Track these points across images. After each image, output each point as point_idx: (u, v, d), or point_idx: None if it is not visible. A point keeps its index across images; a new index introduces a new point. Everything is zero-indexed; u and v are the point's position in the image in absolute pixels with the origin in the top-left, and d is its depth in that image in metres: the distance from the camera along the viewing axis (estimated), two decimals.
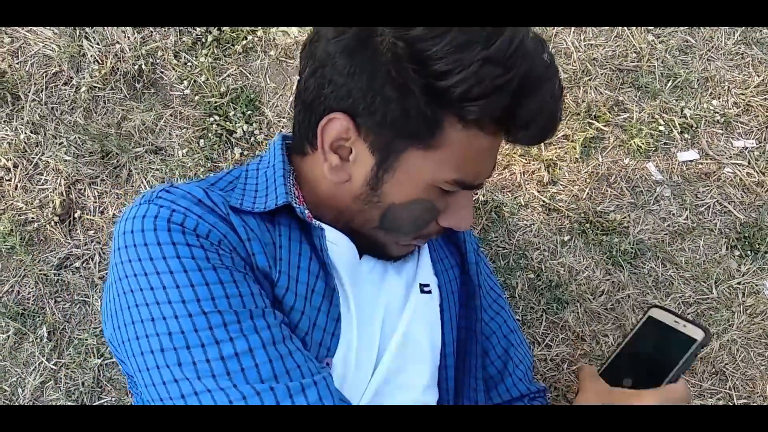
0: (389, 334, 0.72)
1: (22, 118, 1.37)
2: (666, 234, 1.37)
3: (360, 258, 0.73)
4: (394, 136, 0.59)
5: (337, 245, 0.69)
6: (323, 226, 0.67)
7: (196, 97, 1.40)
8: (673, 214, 1.38)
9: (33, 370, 1.26)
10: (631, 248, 1.34)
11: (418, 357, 0.74)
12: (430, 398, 0.77)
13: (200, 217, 0.56)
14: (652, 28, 1.47)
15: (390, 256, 0.73)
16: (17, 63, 1.41)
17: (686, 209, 1.38)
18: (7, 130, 1.37)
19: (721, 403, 1.28)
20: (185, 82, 1.41)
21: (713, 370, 1.30)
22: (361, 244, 0.71)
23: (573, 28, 1.46)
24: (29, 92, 1.39)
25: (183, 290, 0.52)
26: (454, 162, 0.59)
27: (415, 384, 0.73)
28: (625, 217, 1.37)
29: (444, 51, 0.53)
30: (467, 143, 0.58)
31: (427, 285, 0.78)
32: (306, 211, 0.65)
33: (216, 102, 1.39)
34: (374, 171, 0.62)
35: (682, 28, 1.47)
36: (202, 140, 1.38)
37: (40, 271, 1.31)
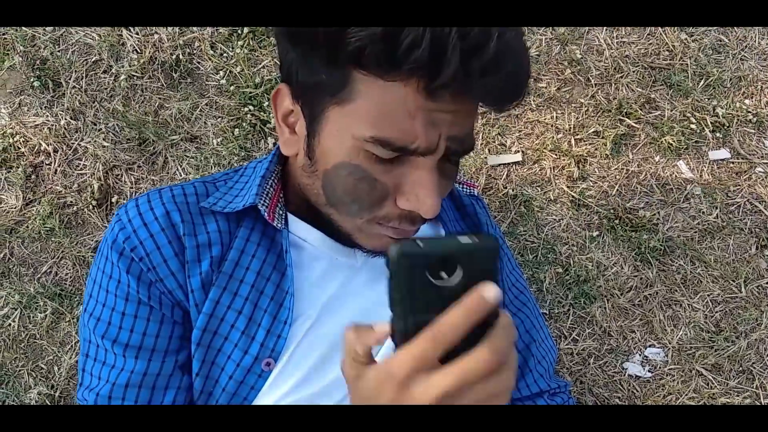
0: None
1: (63, 105, 1.41)
2: (695, 232, 1.37)
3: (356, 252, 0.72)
4: (315, 95, 0.58)
5: (313, 244, 0.70)
6: (295, 220, 0.69)
7: (232, 88, 1.43)
8: (703, 213, 1.38)
9: (69, 349, 1.30)
10: (660, 245, 1.35)
11: None
12: None
13: (135, 232, 0.65)
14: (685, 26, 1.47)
15: (363, 248, 0.67)
16: (59, 51, 1.44)
17: (716, 208, 1.38)
18: (47, 115, 1.41)
19: (748, 402, 1.28)
20: (221, 73, 1.44)
21: (740, 368, 1.30)
22: (337, 236, 0.69)
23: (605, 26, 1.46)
24: (70, 79, 1.42)
25: (96, 305, 0.66)
26: (367, 116, 0.54)
27: None
28: (654, 215, 1.37)
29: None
30: (376, 95, 0.53)
31: None
32: (266, 212, 0.67)
33: (251, 92, 1.42)
34: (307, 136, 0.61)
35: (715, 28, 1.47)
36: (236, 129, 1.40)
37: (77, 253, 1.34)
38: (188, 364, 0.67)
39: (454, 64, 0.48)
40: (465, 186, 0.92)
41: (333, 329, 0.69)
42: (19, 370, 1.29)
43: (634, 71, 1.45)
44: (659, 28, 1.47)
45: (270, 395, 0.67)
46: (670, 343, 1.31)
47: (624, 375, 1.30)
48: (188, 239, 0.65)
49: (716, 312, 1.33)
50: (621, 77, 1.44)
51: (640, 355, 1.31)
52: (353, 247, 0.68)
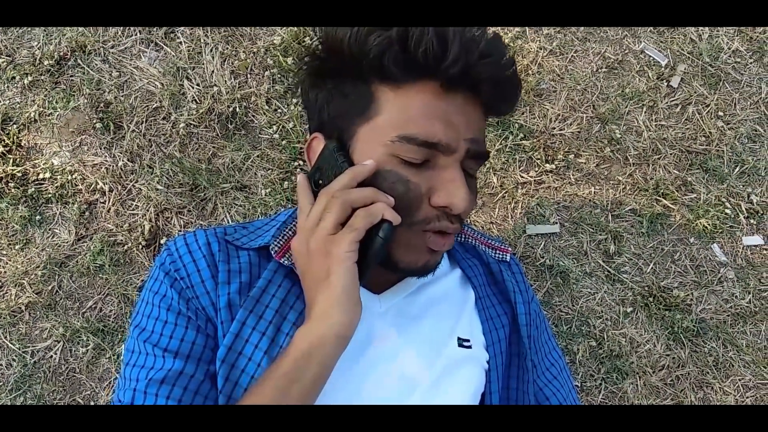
0: (412, 380, 0.73)
1: (122, 147, 1.47)
2: (728, 315, 1.39)
3: (379, 294, 0.77)
4: (345, 121, 0.66)
5: None
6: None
7: (283, 142, 1.49)
8: (736, 297, 1.40)
9: (107, 385, 1.32)
10: (693, 326, 1.36)
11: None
12: None
13: (180, 257, 0.73)
14: (722, 114, 1.53)
15: (402, 267, 0.70)
16: (122, 95, 1.52)
17: (749, 293, 1.40)
18: (106, 155, 1.47)
19: None
20: (274, 127, 1.51)
21: None
22: (371, 272, 0.75)
23: (645, 109, 1.52)
24: (131, 123, 1.49)
25: (141, 318, 0.72)
26: (392, 123, 0.63)
27: None
28: (688, 295, 1.40)
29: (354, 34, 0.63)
30: (398, 103, 0.63)
31: (467, 340, 0.80)
32: (277, 253, 0.73)
33: (301, 148, 1.48)
34: None
35: (751, 118, 1.53)
36: (285, 182, 1.46)
37: (123, 291, 1.38)
38: (217, 378, 0.70)
39: (455, 52, 0.59)
40: (498, 251, 0.94)
41: (361, 372, 0.71)
42: (56, 403, 1.31)
43: (671, 154, 1.50)
44: (697, 114, 1.53)
45: None
46: None
47: None
48: (222, 264, 0.73)
49: (747, 397, 1.34)
50: (658, 158, 1.49)
51: None
52: (376, 293, 0.76)
